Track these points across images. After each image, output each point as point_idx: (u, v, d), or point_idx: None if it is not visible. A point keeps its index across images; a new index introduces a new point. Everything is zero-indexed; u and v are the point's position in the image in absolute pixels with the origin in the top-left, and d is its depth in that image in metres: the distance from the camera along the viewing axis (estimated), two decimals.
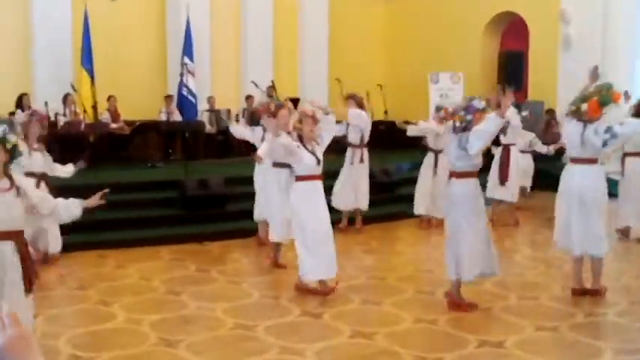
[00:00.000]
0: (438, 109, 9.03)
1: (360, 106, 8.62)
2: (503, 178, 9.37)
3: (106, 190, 4.36)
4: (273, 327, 5.35)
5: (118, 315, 5.64)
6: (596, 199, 5.93)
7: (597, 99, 5.75)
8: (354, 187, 8.99)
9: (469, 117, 5.57)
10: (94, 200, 4.30)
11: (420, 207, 9.37)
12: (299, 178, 6.21)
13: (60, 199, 4.24)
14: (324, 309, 5.78)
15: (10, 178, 3.98)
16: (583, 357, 4.79)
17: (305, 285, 6.28)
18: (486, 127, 5.52)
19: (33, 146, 6.89)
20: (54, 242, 7.19)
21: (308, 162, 6.09)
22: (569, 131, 6.04)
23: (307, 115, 6.16)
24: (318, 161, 6.15)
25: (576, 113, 5.86)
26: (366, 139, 8.99)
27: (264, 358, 4.74)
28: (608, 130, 5.70)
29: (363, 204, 9.10)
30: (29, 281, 3.98)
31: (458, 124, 5.61)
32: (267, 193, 7.45)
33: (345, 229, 8.91)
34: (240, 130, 8.21)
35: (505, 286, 6.19)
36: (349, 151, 9.04)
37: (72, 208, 4.22)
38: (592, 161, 5.95)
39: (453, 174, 5.79)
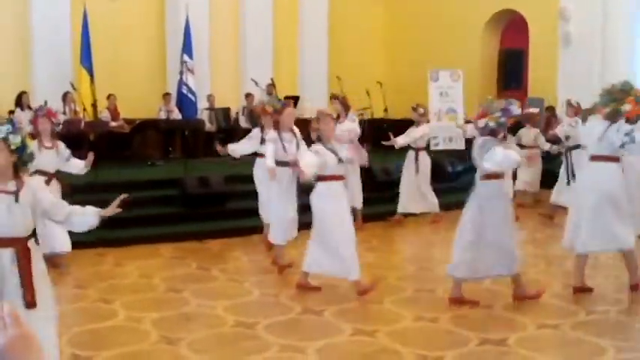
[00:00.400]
0: (415, 108, 9.28)
1: (345, 105, 8.60)
2: None
3: (125, 196, 3.99)
4: (273, 325, 5.33)
5: (119, 313, 5.62)
6: (611, 196, 5.85)
7: (634, 98, 5.72)
8: (349, 187, 9.01)
9: (503, 119, 5.52)
10: (112, 208, 3.95)
11: (409, 206, 9.47)
12: (320, 179, 6.04)
13: (76, 207, 3.91)
14: (324, 307, 5.76)
15: (19, 180, 3.67)
16: (585, 355, 4.78)
17: (307, 283, 6.26)
18: (503, 163, 5.46)
19: (45, 144, 6.65)
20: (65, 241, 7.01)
21: (330, 162, 5.97)
22: (591, 128, 6.02)
23: (325, 115, 6.10)
24: (340, 159, 6.02)
25: (614, 114, 5.77)
26: (354, 139, 9.00)
27: (264, 355, 4.72)
28: (629, 133, 5.66)
29: (358, 203, 9.14)
30: (30, 293, 3.63)
31: (491, 124, 5.51)
32: (268, 193, 7.43)
33: None
34: (239, 148, 8.11)
35: (506, 284, 6.17)
36: None
37: (88, 217, 3.89)
38: (609, 159, 5.88)
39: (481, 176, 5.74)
